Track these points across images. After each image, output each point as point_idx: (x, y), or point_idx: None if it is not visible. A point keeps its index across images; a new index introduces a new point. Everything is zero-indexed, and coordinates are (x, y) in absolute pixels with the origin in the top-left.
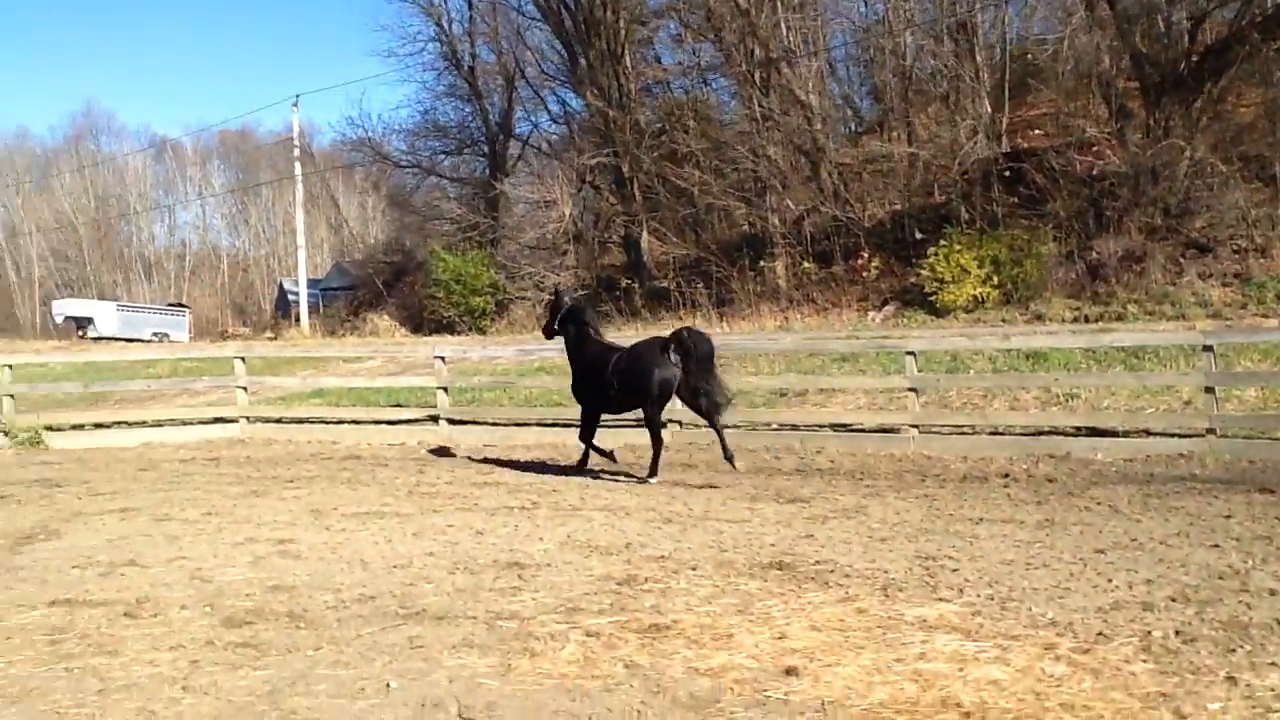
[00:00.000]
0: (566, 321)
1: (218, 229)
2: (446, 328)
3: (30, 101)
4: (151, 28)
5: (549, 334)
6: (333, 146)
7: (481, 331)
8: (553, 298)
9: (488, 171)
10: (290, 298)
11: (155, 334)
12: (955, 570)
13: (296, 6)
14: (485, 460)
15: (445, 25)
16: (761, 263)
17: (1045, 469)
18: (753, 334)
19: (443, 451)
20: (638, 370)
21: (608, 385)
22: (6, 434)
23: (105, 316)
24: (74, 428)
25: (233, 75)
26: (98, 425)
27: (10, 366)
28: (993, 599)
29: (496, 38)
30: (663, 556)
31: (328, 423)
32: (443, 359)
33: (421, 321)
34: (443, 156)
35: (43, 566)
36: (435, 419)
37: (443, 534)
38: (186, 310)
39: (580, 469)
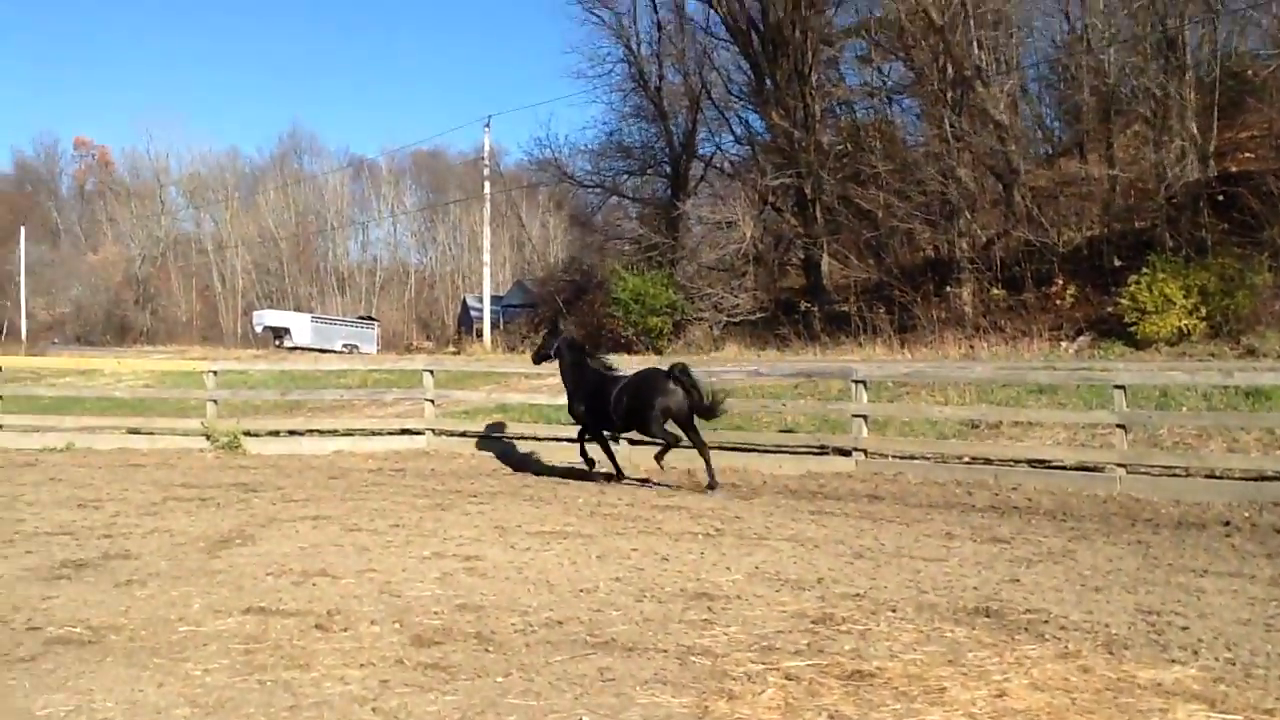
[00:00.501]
0: (562, 349)
1: (407, 246)
2: (624, 347)
3: (241, 123)
4: (354, 55)
5: (538, 359)
6: (518, 166)
7: (658, 352)
8: (548, 329)
9: (669, 192)
10: (473, 313)
11: (345, 345)
12: (1185, 628)
13: (490, 31)
14: (663, 482)
15: (634, 47)
16: (947, 288)
17: (1271, 518)
18: (937, 362)
19: (623, 472)
20: (646, 395)
21: (613, 407)
22: (209, 437)
23: (300, 327)
24: (270, 434)
25: (427, 99)
26: (292, 432)
27: (215, 373)
28: (1234, 664)
29: (683, 59)
30: (858, 595)
31: (509, 438)
32: None
33: (600, 340)
34: (625, 176)
35: (239, 572)
36: (616, 438)
37: (627, 558)
38: (375, 323)
39: (589, 472)
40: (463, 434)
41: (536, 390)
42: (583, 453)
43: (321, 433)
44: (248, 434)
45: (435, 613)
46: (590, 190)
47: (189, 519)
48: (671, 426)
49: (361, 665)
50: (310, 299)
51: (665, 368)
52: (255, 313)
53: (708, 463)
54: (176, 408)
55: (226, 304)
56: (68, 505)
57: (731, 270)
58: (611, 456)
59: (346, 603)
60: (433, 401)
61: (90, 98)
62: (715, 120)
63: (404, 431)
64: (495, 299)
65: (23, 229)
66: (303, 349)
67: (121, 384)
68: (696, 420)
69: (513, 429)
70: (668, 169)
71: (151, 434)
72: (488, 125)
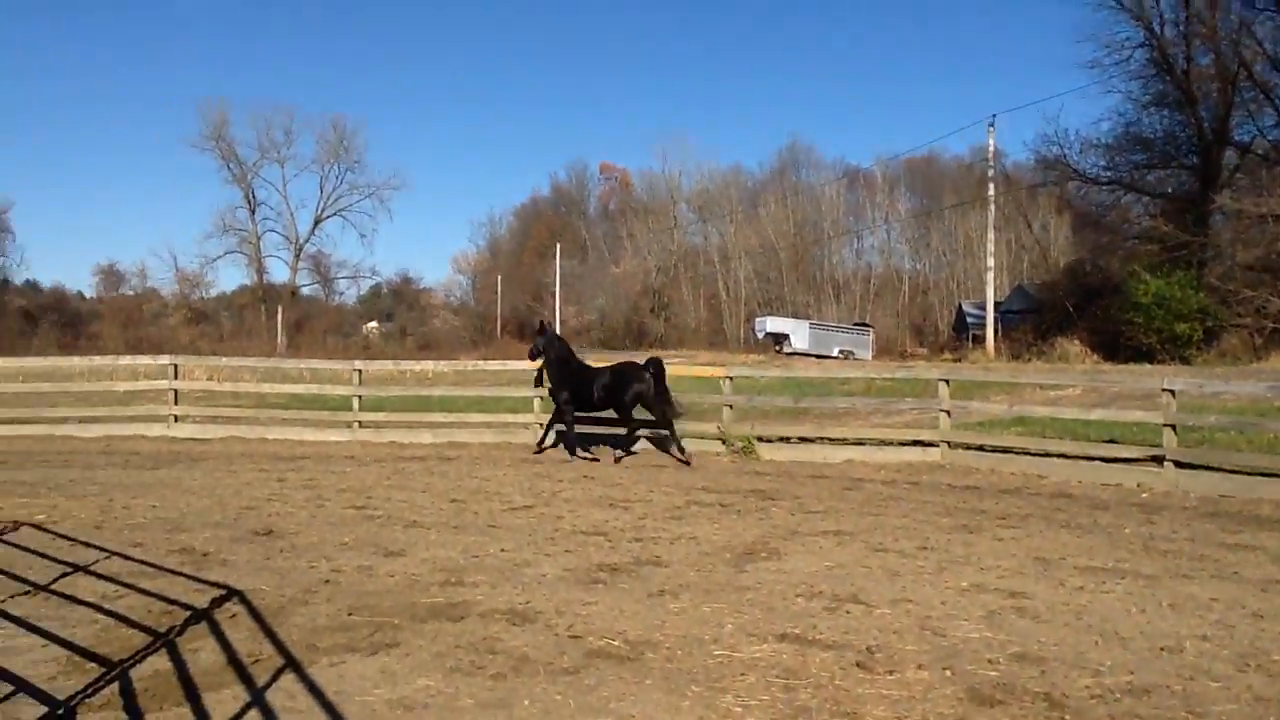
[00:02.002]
0: (549, 346)
1: (900, 252)
2: (1145, 356)
3: (744, 142)
4: (847, 69)
5: (533, 355)
6: (1016, 166)
7: (1185, 361)
8: (538, 328)
9: (1196, 184)
10: (969, 319)
11: (841, 351)
12: None
13: (989, 29)
14: (1221, 513)
15: (1156, 29)
16: None
17: None
18: None
19: (1169, 499)
20: (623, 382)
21: (594, 393)
22: (724, 441)
23: (799, 333)
24: (780, 439)
25: (920, 106)
26: (802, 439)
27: (731, 378)
28: None
29: (1215, 37)
30: None
31: (1031, 454)
32: (1172, 392)
33: (1116, 348)
34: (1144, 171)
35: (767, 590)
36: (1158, 460)
37: (1207, 610)
38: (870, 330)
39: (565, 451)
40: (979, 447)
41: (1058, 403)
42: (545, 433)
43: (831, 440)
44: (759, 439)
45: (988, 660)
46: (1103, 187)
47: (712, 526)
48: (639, 411)
49: None
50: (807, 305)
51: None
52: (756, 319)
53: (677, 441)
54: (692, 411)
55: (730, 311)
56: (600, 505)
57: (1277, 270)
58: (572, 437)
59: (886, 638)
60: (948, 413)
61: (614, 128)
62: (1253, 101)
63: (916, 443)
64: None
65: (558, 246)
66: (801, 354)
67: None
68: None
69: (1035, 444)
70: (1194, 159)
71: None
72: (992, 125)
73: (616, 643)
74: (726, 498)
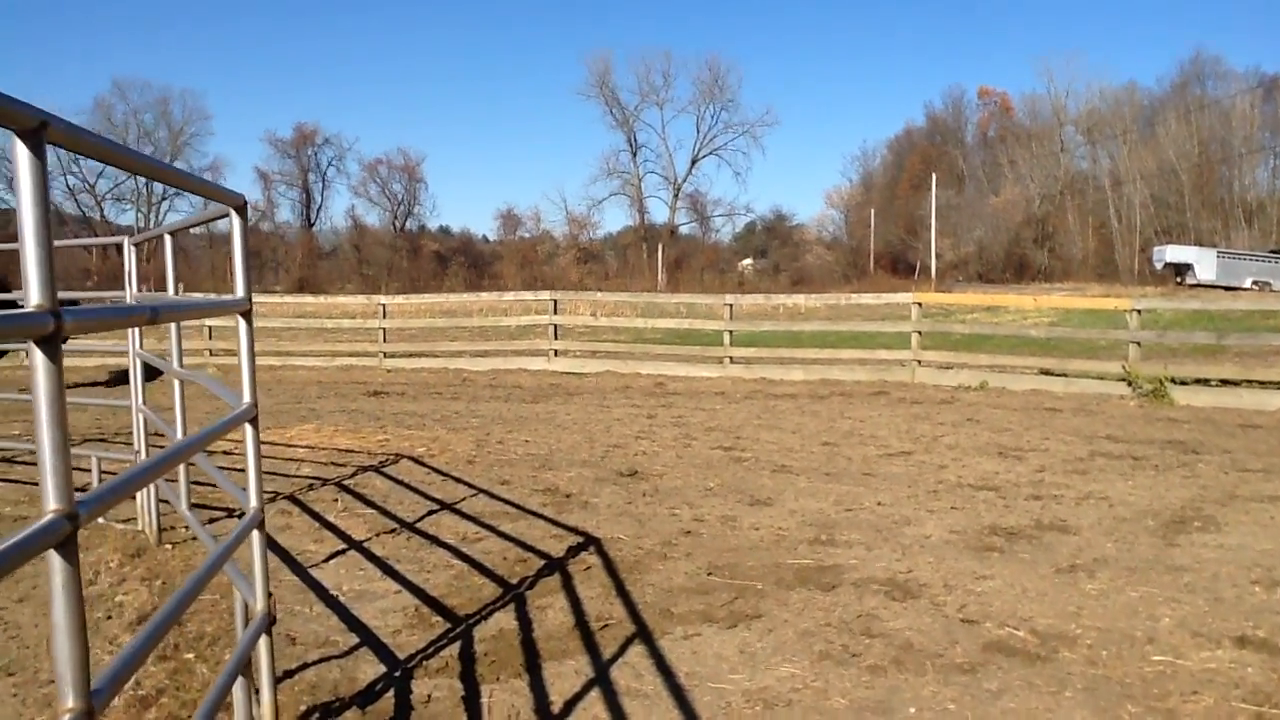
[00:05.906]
0: None
1: None
2: None
3: (1139, 56)
4: None
5: None
6: None
7: None
8: None
9: None
10: None
11: (1256, 282)
12: None
13: None
14: None
15: None
16: None
17: None
18: None
19: None
20: None
21: None
22: (1129, 383)
23: (1205, 263)
24: (1196, 382)
25: None
26: (1224, 381)
27: (1139, 311)
28: None
29: None
30: None
31: None
32: None
33: None
34: None
35: (1210, 573)
36: None
37: None
38: None
39: None
40: None
41: None
42: None
43: (1259, 384)
44: (1171, 380)
45: None
46: None
47: (1125, 484)
48: None
49: None
50: (1212, 233)
51: None
52: (1155, 249)
53: None
54: (1086, 348)
55: (1122, 240)
56: (988, 453)
57: None
58: None
59: None
60: None
61: (993, 49)
62: None
63: None
64: None
65: (934, 176)
66: (1206, 286)
67: (1028, 321)
68: None
69: None
70: None
71: (1065, 375)
72: None
73: (1021, 633)
74: (1138, 449)
